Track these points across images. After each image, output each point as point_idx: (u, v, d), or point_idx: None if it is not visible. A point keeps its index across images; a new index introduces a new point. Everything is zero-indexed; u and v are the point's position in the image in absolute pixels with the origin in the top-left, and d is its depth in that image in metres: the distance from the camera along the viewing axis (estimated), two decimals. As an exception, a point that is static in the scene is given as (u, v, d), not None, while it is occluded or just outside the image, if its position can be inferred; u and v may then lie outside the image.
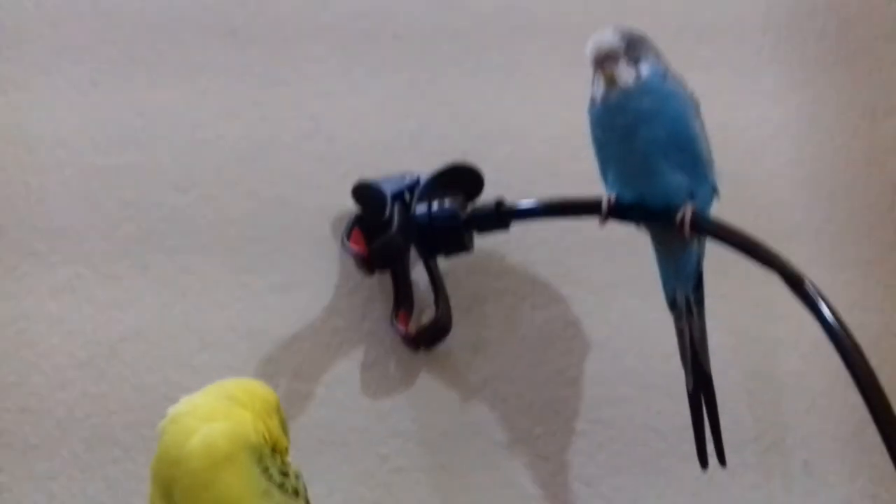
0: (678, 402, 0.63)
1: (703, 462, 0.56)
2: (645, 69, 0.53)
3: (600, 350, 0.66)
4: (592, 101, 0.55)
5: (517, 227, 0.64)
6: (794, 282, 0.51)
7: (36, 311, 0.62)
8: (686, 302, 0.57)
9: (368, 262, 0.59)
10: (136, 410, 0.60)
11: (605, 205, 0.56)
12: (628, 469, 0.64)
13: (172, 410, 0.46)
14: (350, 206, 0.65)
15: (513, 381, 0.65)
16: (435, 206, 0.60)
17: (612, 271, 0.68)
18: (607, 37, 0.54)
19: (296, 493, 0.46)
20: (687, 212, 0.54)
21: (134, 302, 0.63)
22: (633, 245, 0.68)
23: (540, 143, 0.69)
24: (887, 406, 0.47)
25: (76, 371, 0.61)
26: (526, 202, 0.60)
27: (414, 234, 0.60)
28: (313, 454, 0.61)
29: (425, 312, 0.65)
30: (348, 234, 0.60)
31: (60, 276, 0.63)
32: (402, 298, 0.63)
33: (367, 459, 0.61)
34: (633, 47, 0.54)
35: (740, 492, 0.64)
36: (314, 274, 0.65)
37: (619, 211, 0.56)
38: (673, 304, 0.58)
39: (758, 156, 0.72)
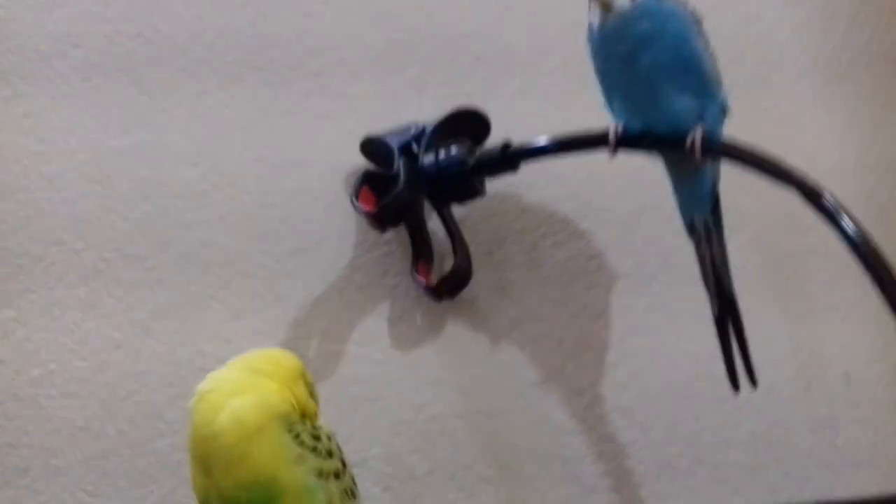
0: (708, 325, 0.63)
1: (735, 385, 0.56)
2: (639, -10, 0.51)
3: (626, 281, 0.66)
4: (590, 28, 0.53)
5: (530, 166, 0.63)
6: (813, 196, 0.50)
7: (68, 299, 0.63)
8: (704, 226, 0.56)
9: (379, 220, 0.59)
10: (175, 385, 0.62)
11: (612, 136, 0.55)
12: (664, 395, 0.64)
13: (199, 388, 0.47)
14: (360, 162, 0.65)
15: (540, 320, 0.65)
16: (442, 154, 0.60)
17: (632, 199, 0.67)
18: None
19: (329, 453, 0.47)
20: (697, 135, 0.53)
21: (160, 280, 0.64)
22: (652, 170, 0.67)
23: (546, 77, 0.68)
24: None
25: (113, 352, 0.62)
26: (532, 141, 0.59)
27: (424, 186, 0.60)
28: (349, 411, 0.62)
29: (446, 261, 0.65)
30: (356, 194, 0.59)
31: (87, 261, 0.64)
32: (421, 250, 0.63)
33: (403, 410, 0.62)
34: None
35: (779, 408, 0.64)
36: (331, 234, 0.65)
37: (628, 140, 0.55)
38: (692, 230, 0.57)
39: (775, 63, 0.70)
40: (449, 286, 0.62)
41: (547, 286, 0.66)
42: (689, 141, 0.53)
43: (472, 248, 0.65)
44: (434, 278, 0.63)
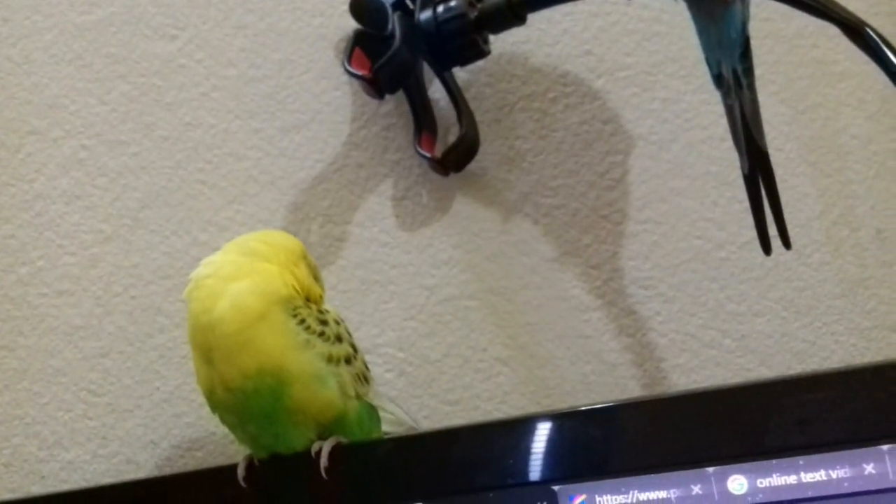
0: (734, 188, 0.59)
1: (766, 247, 0.53)
2: None
3: (644, 144, 0.61)
4: None
5: (536, 21, 0.58)
6: (853, 31, 0.45)
7: (50, 191, 0.60)
8: (733, 74, 0.51)
9: (376, 85, 0.54)
10: (171, 277, 0.59)
11: (631, -22, 0.49)
12: (687, 265, 0.60)
13: (195, 274, 0.44)
14: (350, 24, 0.60)
15: (554, 191, 0.61)
16: (441, 9, 0.54)
17: (649, 55, 0.62)
18: None
19: (338, 338, 0.44)
20: (727, -31, 0.47)
21: (146, 166, 0.60)
22: (669, 21, 0.62)
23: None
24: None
25: (104, 246, 0.59)
26: (541, -10, 0.54)
27: (422, 46, 0.55)
28: (358, 295, 0.59)
29: (451, 132, 0.60)
30: (349, 57, 0.54)
31: (66, 150, 0.60)
32: (423, 121, 0.59)
33: (414, 293, 0.59)
34: None
35: (809, 272, 0.60)
36: (325, 108, 0.61)
37: (649, -19, 0.49)
38: (719, 80, 0.52)
39: None
40: (456, 158, 0.58)
41: (560, 154, 0.61)
42: (719, -25, 0.47)
43: (478, 117, 0.61)
44: (439, 150, 0.58)
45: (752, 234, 0.54)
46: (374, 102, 0.60)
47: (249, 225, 0.59)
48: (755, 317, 0.60)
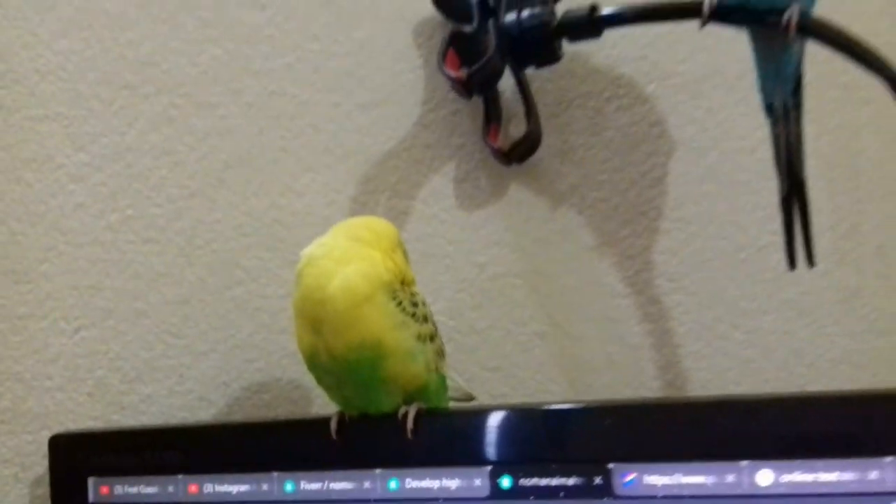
0: (760, 196, 0.64)
1: (792, 263, 0.59)
2: None
3: (685, 149, 0.67)
4: None
5: (603, 27, 0.62)
6: (901, 89, 0.50)
7: (141, 144, 0.63)
8: (784, 106, 0.56)
9: (467, 87, 0.58)
10: (250, 234, 0.63)
11: (706, 7, 0.54)
12: (710, 262, 0.67)
13: (307, 253, 0.49)
14: (431, 12, 0.63)
15: (599, 185, 0.66)
16: (525, 14, 0.58)
17: (700, 65, 0.66)
18: None
19: (425, 318, 0.50)
20: (794, 13, 0.52)
21: (231, 129, 0.64)
22: (722, 37, 0.66)
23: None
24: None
25: (188, 200, 0.63)
26: (621, 7, 0.58)
27: (507, 49, 0.59)
28: (416, 266, 0.63)
29: (512, 123, 0.65)
30: (443, 58, 0.58)
31: (157, 107, 0.63)
32: (493, 113, 0.63)
33: (466, 268, 0.65)
34: None
35: (814, 278, 0.67)
36: (399, 88, 0.65)
37: (722, 13, 0.54)
38: (770, 109, 0.57)
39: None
40: (520, 151, 0.63)
41: (609, 151, 0.66)
42: (785, 18, 0.52)
43: (538, 110, 0.65)
44: (503, 141, 0.63)
45: (770, 239, 0.60)
46: (444, 86, 0.64)
47: (323, 193, 0.64)
48: (763, 314, 0.66)
